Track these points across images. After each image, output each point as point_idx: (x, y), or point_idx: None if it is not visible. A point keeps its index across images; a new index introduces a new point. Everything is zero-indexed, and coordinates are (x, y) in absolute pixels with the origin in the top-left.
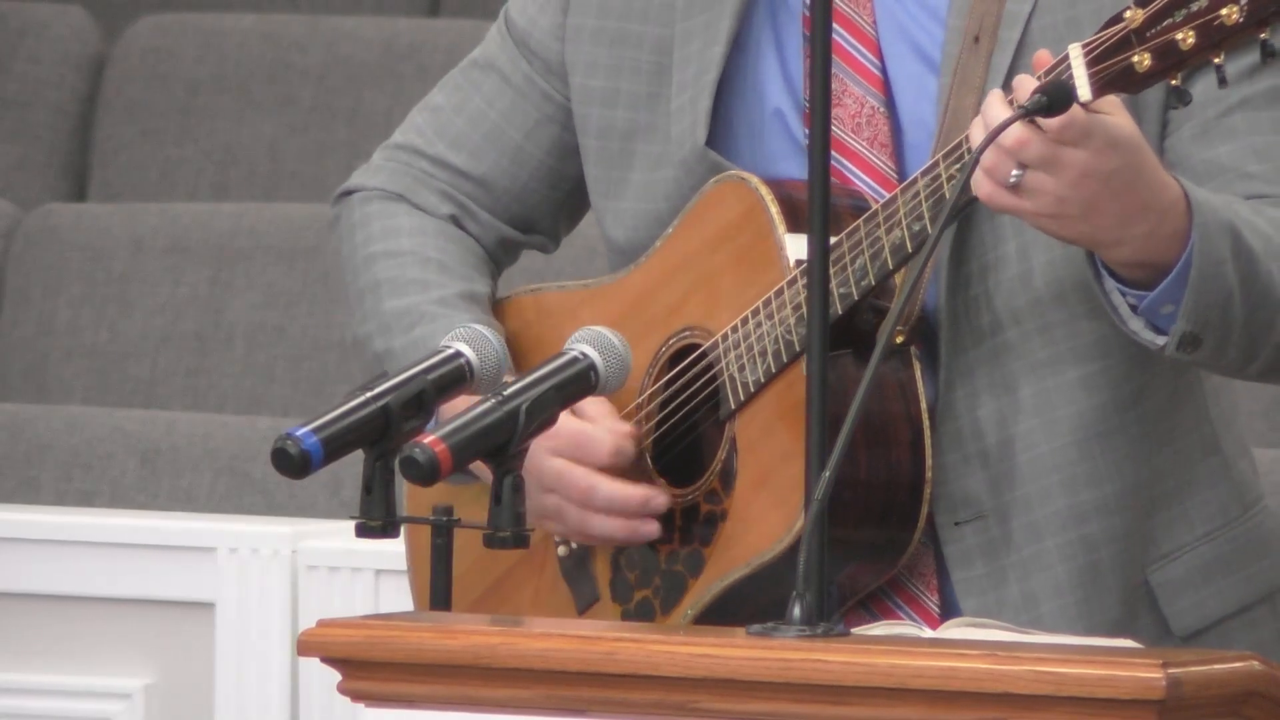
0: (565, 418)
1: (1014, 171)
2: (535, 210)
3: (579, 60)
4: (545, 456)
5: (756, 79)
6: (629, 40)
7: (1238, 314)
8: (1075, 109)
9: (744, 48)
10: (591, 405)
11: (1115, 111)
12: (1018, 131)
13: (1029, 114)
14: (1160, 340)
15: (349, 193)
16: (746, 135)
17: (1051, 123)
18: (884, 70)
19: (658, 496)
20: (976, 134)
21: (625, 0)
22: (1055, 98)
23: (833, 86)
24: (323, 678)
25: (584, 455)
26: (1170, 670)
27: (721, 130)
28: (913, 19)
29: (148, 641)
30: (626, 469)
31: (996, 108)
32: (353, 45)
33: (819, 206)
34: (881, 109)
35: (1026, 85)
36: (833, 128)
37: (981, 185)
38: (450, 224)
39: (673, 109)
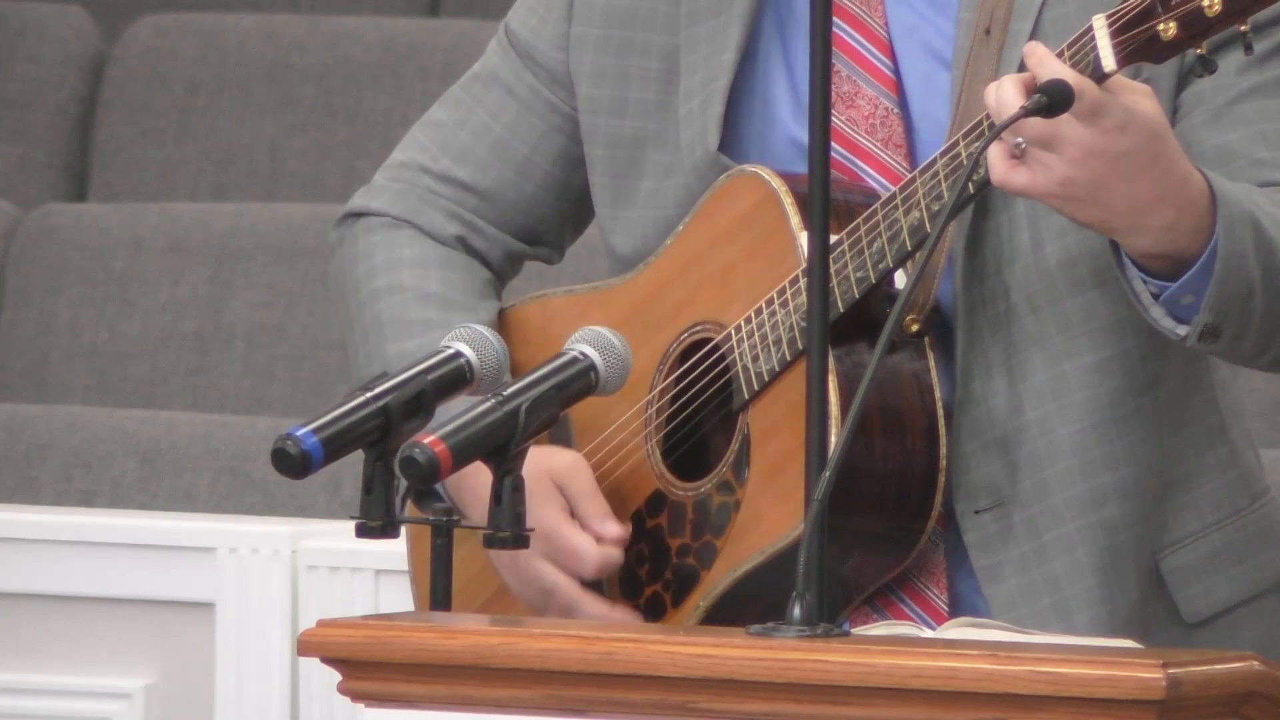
0: (559, 521)
1: (1018, 139)
2: (541, 222)
3: (584, 69)
4: (535, 558)
5: (764, 89)
6: (635, 48)
7: (1258, 306)
8: (1089, 86)
9: (751, 57)
10: (585, 500)
11: (1139, 96)
12: (1017, 105)
13: (1030, 113)
14: (1181, 330)
15: (352, 215)
16: (755, 144)
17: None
18: (896, 71)
19: (630, 618)
20: (990, 100)
21: (629, 9)
22: (1055, 97)
23: (846, 89)
24: (323, 678)
25: (571, 569)
26: (1170, 670)
27: (730, 138)
28: (923, 17)
29: (148, 641)
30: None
31: (1009, 87)
32: (353, 45)
33: (819, 206)
34: (895, 110)
35: (1037, 53)
36: (847, 129)
37: (995, 168)
38: (456, 245)
39: (681, 115)
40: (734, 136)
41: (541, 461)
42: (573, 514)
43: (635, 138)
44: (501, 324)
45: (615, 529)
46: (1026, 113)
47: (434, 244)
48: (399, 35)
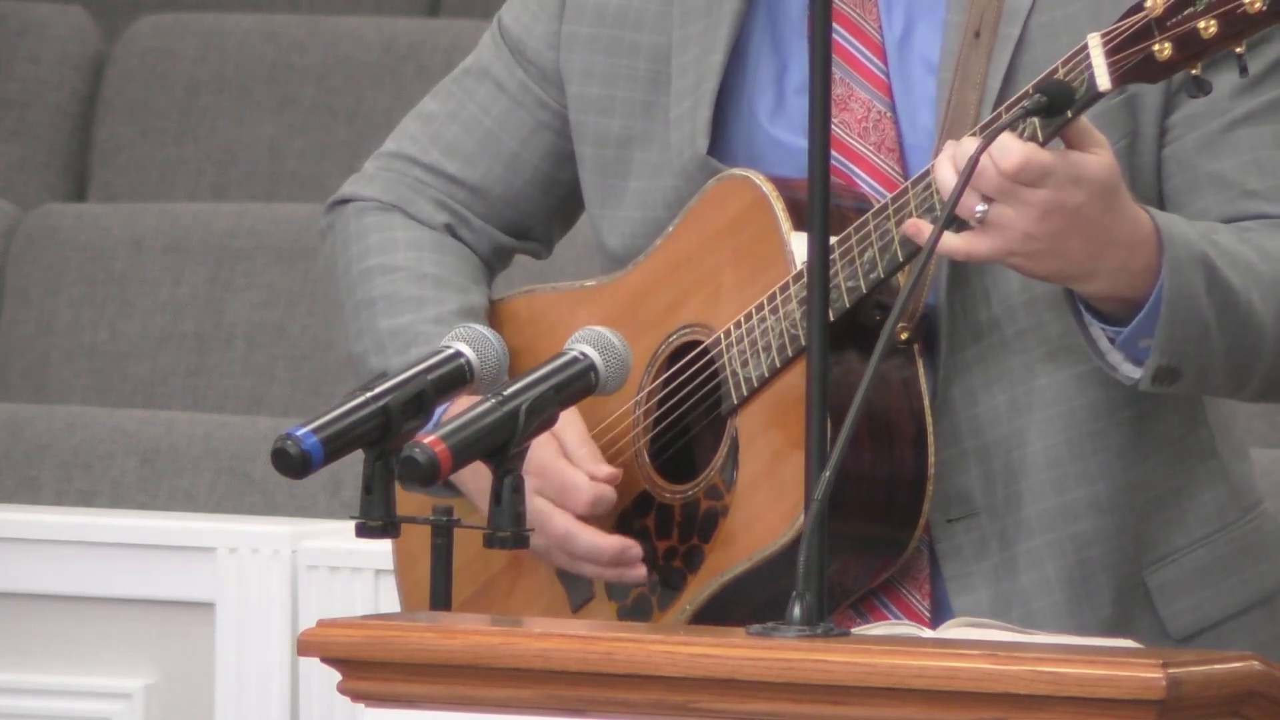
0: (553, 457)
1: (979, 207)
2: (530, 217)
3: (574, 68)
4: (530, 495)
5: (751, 90)
6: (625, 48)
7: (1216, 345)
8: (1034, 153)
9: (741, 58)
10: (578, 445)
11: (1090, 145)
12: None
13: (1030, 114)
14: (1136, 374)
15: (343, 201)
16: (744, 146)
17: (1007, 164)
18: (888, 74)
19: (633, 548)
20: (944, 173)
21: (620, 8)
22: (1055, 96)
23: (839, 92)
24: (323, 678)
25: (564, 501)
26: (1170, 670)
27: (719, 140)
28: (916, 20)
29: (148, 641)
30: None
31: (967, 145)
32: (353, 45)
33: (819, 206)
34: (887, 113)
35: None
36: (839, 132)
37: (955, 246)
38: (446, 234)
39: (671, 117)
40: (723, 139)
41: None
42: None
43: (623, 137)
44: (489, 316)
45: (607, 469)
46: (1026, 112)
47: (426, 229)
48: (399, 35)
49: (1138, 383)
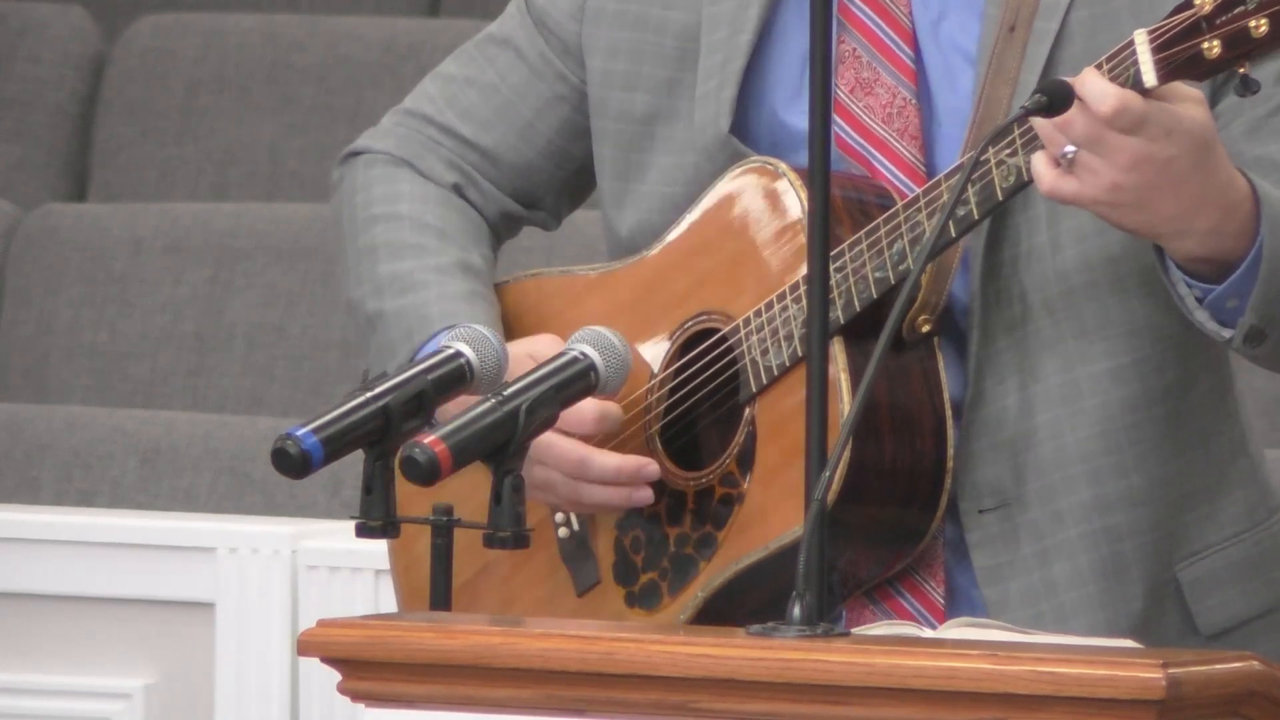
0: None
1: (1068, 147)
2: (540, 187)
3: (599, 43)
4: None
5: (779, 70)
6: (651, 24)
7: None
8: (1132, 98)
9: (770, 39)
10: None
11: (1182, 100)
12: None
13: (1030, 113)
14: (1226, 333)
15: (355, 154)
16: (766, 128)
17: (1104, 108)
18: (919, 61)
19: (650, 464)
20: (1090, 77)
21: None
22: (1054, 96)
23: (865, 75)
24: (323, 678)
25: (570, 424)
26: (1170, 670)
27: (742, 121)
28: (949, 9)
29: (148, 641)
30: (622, 441)
31: (1093, 79)
32: (353, 45)
33: (819, 206)
34: (913, 100)
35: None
36: (864, 117)
37: (1043, 177)
38: (453, 193)
39: (697, 95)
40: (746, 120)
41: (524, 347)
42: None
43: (647, 113)
44: (489, 279)
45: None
46: (1026, 112)
47: (433, 185)
48: (399, 35)
49: (1229, 342)
